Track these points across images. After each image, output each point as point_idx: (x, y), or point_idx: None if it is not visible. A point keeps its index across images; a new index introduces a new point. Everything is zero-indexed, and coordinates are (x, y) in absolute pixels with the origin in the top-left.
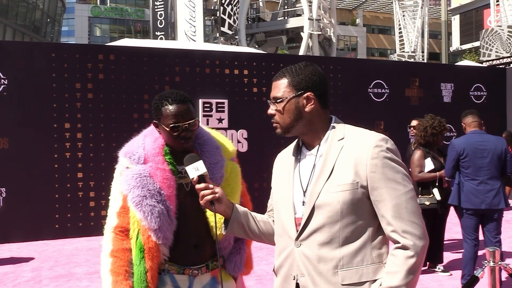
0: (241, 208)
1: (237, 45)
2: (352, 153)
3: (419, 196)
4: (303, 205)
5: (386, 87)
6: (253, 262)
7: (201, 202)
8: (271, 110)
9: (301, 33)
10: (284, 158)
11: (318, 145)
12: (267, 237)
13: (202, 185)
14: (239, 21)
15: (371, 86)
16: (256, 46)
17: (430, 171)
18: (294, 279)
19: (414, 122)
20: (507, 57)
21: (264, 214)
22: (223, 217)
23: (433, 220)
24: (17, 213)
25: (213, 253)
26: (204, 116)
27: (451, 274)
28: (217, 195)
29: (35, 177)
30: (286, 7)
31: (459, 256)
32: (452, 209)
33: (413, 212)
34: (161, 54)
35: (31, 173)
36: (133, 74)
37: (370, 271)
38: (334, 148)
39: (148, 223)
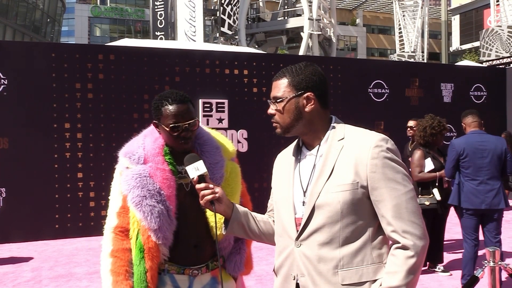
0: (241, 208)
1: (237, 45)
2: (352, 153)
3: (419, 196)
4: (303, 205)
5: (386, 87)
6: (253, 262)
7: (201, 202)
8: (271, 110)
9: (301, 33)
10: (284, 158)
11: (318, 145)
12: (267, 237)
13: (202, 185)
14: (239, 21)
15: (371, 86)
16: (256, 46)
17: (430, 171)
18: (294, 279)
19: (411, 123)
20: (507, 57)
21: (264, 214)
22: (223, 217)
23: (433, 220)
24: (17, 213)
25: (213, 253)
26: (204, 116)
27: (451, 274)
28: (217, 195)
29: (35, 177)
30: (286, 7)
31: (459, 256)
32: (452, 209)
33: (413, 212)
34: (161, 54)
35: (31, 173)
36: (133, 74)
37: (370, 271)
38: (334, 148)
39: (148, 223)
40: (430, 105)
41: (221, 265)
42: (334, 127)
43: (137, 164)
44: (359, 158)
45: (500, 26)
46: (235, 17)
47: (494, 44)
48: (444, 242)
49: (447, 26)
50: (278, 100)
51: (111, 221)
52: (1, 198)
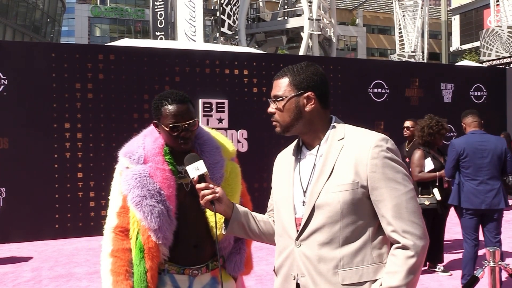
0: (241, 208)
1: (237, 45)
2: (352, 153)
3: (419, 196)
4: (303, 205)
5: (386, 87)
6: (253, 262)
7: (201, 202)
8: (271, 108)
9: (301, 33)
10: (284, 158)
11: (318, 145)
12: (268, 237)
13: (203, 184)
14: (239, 21)
15: (371, 86)
16: (256, 46)
17: (430, 171)
18: (294, 279)
19: (407, 123)
20: (507, 57)
21: (264, 214)
22: (223, 217)
23: (433, 220)
24: (17, 213)
25: (213, 253)
26: (204, 116)
27: (451, 274)
28: (217, 194)
29: (35, 177)
30: (286, 7)
31: (459, 256)
32: (452, 209)
33: (414, 212)
34: (161, 54)
35: (31, 173)
36: (133, 74)
37: (371, 271)
38: (334, 148)
39: (148, 223)
40: (430, 105)
41: (221, 265)
42: (334, 127)
43: (137, 164)
44: (359, 158)
45: (500, 26)
46: (235, 17)
47: (494, 44)
48: (444, 242)
49: (447, 26)
50: (278, 99)
51: (111, 221)
52: (1, 198)
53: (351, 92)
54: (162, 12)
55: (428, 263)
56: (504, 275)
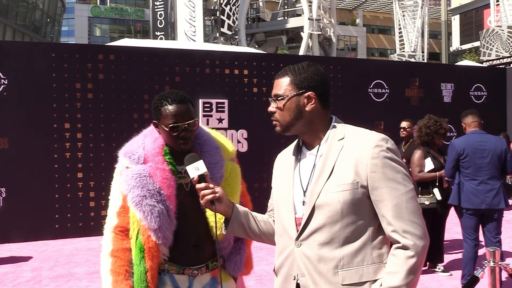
0: (241, 208)
1: (237, 45)
2: (352, 153)
3: (419, 196)
4: (303, 205)
5: (386, 87)
6: (253, 262)
7: (201, 201)
8: (272, 107)
9: (301, 33)
10: (284, 158)
11: (318, 145)
12: (268, 237)
13: (203, 184)
14: (239, 21)
15: (371, 86)
16: (256, 46)
17: (430, 171)
18: (294, 279)
19: (404, 123)
20: (507, 57)
21: (264, 214)
22: (223, 217)
23: (433, 220)
24: (17, 213)
25: (213, 253)
26: (204, 116)
27: (451, 274)
28: (217, 194)
29: (35, 177)
30: (286, 7)
31: (459, 256)
32: (452, 209)
33: (414, 212)
34: (161, 54)
35: (31, 173)
36: (133, 74)
37: (371, 271)
38: (334, 148)
39: (148, 223)
40: (430, 105)
41: (221, 265)
42: (334, 127)
43: (137, 164)
44: (359, 158)
45: (500, 26)
46: (234, 18)
47: (494, 44)
48: (444, 242)
49: (447, 26)
50: (279, 98)
51: (111, 220)
52: (1, 198)
53: (351, 92)
54: (162, 12)
55: (428, 263)
56: (504, 275)
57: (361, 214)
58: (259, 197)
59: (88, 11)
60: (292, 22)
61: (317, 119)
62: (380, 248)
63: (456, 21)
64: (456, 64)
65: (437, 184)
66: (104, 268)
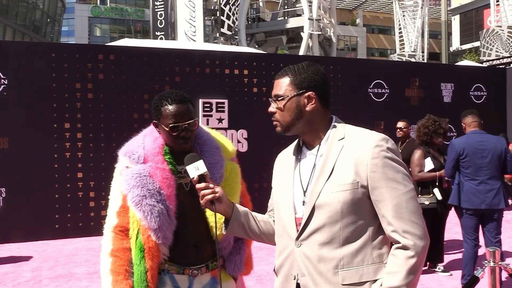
0: (241, 208)
1: (237, 45)
2: (352, 152)
3: (419, 195)
4: (303, 205)
5: (386, 87)
6: (253, 262)
7: (201, 201)
8: (272, 108)
9: (301, 33)
10: (284, 158)
11: (318, 145)
12: (268, 237)
13: (203, 184)
14: (239, 21)
15: (371, 86)
16: (256, 46)
17: (430, 171)
18: (294, 279)
19: (400, 124)
20: (507, 57)
21: (264, 214)
22: (223, 217)
23: (433, 220)
24: (17, 213)
25: (213, 253)
26: (204, 116)
27: (451, 274)
28: (217, 194)
29: (35, 177)
30: (286, 7)
31: (459, 256)
32: (452, 209)
33: (414, 212)
34: (161, 54)
35: (31, 173)
36: (133, 74)
37: (371, 271)
38: (335, 148)
39: (147, 223)
40: (430, 105)
41: (220, 265)
42: (334, 127)
43: (137, 164)
44: (360, 158)
45: (500, 26)
46: (234, 18)
47: (494, 44)
48: (444, 242)
49: (447, 26)
50: (279, 98)
51: (111, 220)
52: (1, 198)
53: (351, 92)
54: (162, 12)
55: (428, 263)
56: (504, 275)
57: (361, 214)
58: (259, 197)
59: (88, 11)
60: (292, 22)
61: (318, 119)
62: (380, 248)
63: (456, 21)
64: (456, 64)
65: (437, 184)
66: (104, 267)
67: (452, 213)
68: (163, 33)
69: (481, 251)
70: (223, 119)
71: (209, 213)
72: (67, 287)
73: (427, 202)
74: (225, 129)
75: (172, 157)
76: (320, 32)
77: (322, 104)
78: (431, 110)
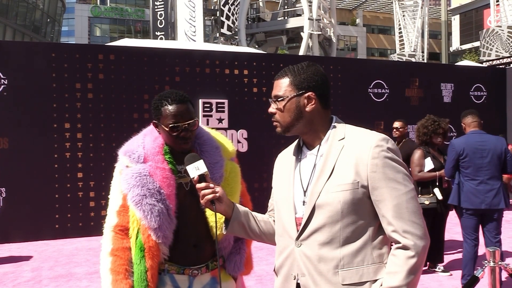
0: (241, 208)
1: (237, 45)
2: (352, 153)
3: (419, 195)
4: (304, 204)
5: (386, 87)
6: (253, 262)
7: (201, 201)
8: (272, 108)
9: (301, 33)
10: (284, 158)
11: (318, 145)
12: (268, 237)
13: (203, 184)
14: (239, 21)
15: (371, 86)
16: (256, 46)
17: (429, 171)
18: (294, 279)
19: (396, 123)
20: (507, 57)
21: (264, 214)
22: (223, 217)
23: (433, 220)
24: (17, 213)
25: (213, 253)
26: (204, 116)
27: (451, 274)
28: (217, 194)
29: (35, 177)
30: (286, 7)
31: (459, 256)
32: (452, 209)
33: (414, 212)
34: (161, 54)
35: (31, 173)
36: (133, 74)
37: (371, 271)
38: (335, 148)
39: (148, 222)
40: (430, 105)
41: (220, 265)
42: (334, 127)
43: (137, 163)
44: (360, 158)
45: (500, 26)
46: (233, 18)
47: (494, 44)
48: (444, 242)
49: (447, 26)
50: (279, 99)
51: (111, 219)
52: (1, 198)
53: (351, 92)
54: (162, 12)
55: (428, 263)
56: (504, 275)
57: (361, 214)
58: (259, 197)
59: (88, 11)
60: (292, 22)
61: (318, 119)
62: (381, 248)
63: (456, 21)
64: (456, 64)
65: (437, 184)
66: (104, 267)
67: (452, 213)
68: (163, 33)
69: (481, 251)
70: (223, 119)
71: (209, 213)
72: (67, 287)
73: (427, 202)
74: (225, 129)
75: (172, 157)
76: (320, 32)
77: (322, 105)
78: (431, 110)
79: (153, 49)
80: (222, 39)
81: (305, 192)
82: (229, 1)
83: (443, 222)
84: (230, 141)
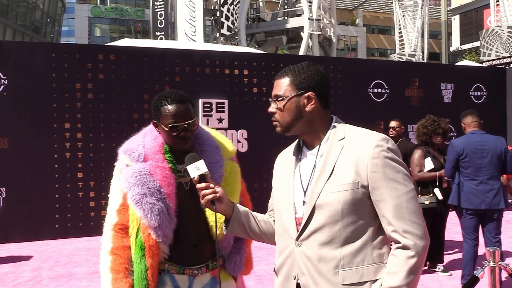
0: (242, 208)
1: (237, 45)
2: (352, 153)
3: (419, 195)
4: (304, 204)
5: (386, 87)
6: (253, 262)
7: (202, 201)
8: (272, 108)
9: (301, 33)
10: (285, 158)
11: (318, 145)
12: (268, 237)
13: (203, 184)
14: (239, 21)
15: (371, 86)
16: (256, 46)
17: (429, 171)
18: (294, 279)
19: (393, 123)
20: (507, 57)
21: (264, 214)
22: (223, 217)
23: (433, 220)
24: (17, 213)
25: (213, 253)
26: (204, 116)
27: (451, 274)
28: (218, 194)
29: (35, 177)
30: (286, 7)
31: (459, 256)
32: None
33: (414, 212)
34: (161, 54)
35: (31, 173)
36: (133, 74)
37: (371, 271)
38: (335, 148)
39: (148, 221)
40: (430, 105)
41: (220, 265)
42: (334, 127)
43: (137, 162)
44: (360, 158)
45: (500, 26)
46: (233, 18)
47: (494, 44)
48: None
49: (447, 26)
50: (279, 99)
51: (111, 218)
52: (1, 198)
53: (351, 92)
54: (162, 12)
55: (428, 263)
56: (504, 275)
57: (361, 214)
58: (259, 197)
59: (88, 11)
60: (292, 22)
61: (317, 119)
62: (381, 248)
63: (456, 21)
64: (456, 64)
65: (437, 184)
66: (104, 265)
67: (452, 213)
68: (163, 33)
69: (481, 251)
70: (223, 119)
71: (209, 213)
72: (67, 287)
73: (427, 202)
74: (225, 129)
75: (172, 156)
76: (320, 32)
77: (322, 105)
78: (431, 110)
79: (153, 49)
80: (222, 39)
81: (305, 192)
82: (228, 1)
83: (443, 222)
84: (230, 141)
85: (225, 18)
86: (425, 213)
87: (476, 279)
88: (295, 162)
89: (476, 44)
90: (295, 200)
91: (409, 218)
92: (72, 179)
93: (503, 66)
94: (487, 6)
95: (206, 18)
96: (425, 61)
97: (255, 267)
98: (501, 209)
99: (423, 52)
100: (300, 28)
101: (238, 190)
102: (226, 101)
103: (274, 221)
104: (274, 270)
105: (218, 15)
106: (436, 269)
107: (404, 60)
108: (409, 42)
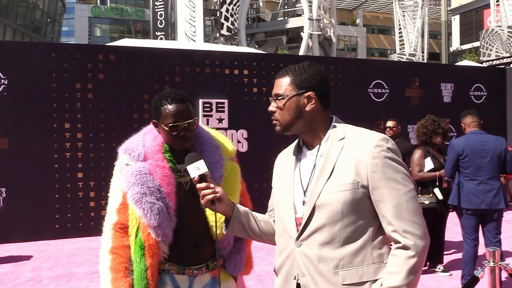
0: (242, 208)
1: (237, 45)
2: (352, 152)
3: (419, 195)
4: (304, 204)
5: (386, 87)
6: (253, 262)
7: (202, 201)
8: (272, 107)
9: (301, 33)
10: (284, 158)
11: (318, 145)
12: (268, 237)
13: (203, 184)
14: (239, 21)
15: (371, 86)
16: (256, 46)
17: (429, 171)
18: (294, 279)
19: (389, 123)
20: (507, 57)
21: (264, 214)
22: (223, 217)
23: (433, 220)
24: (17, 213)
25: (213, 253)
26: (204, 116)
27: (451, 274)
28: (218, 194)
29: (35, 177)
30: (286, 7)
31: (459, 256)
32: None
33: (414, 212)
34: (161, 54)
35: (31, 173)
36: (133, 74)
37: (371, 271)
38: (335, 148)
39: (147, 220)
40: (430, 105)
41: (220, 265)
42: (334, 127)
43: (137, 161)
44: (360, 158)
45: (500, 26)
46: (233, 19)
47: (494, 44)
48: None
49: (447, 26)
50: (279, 98)
51: (111, 217)
52: (1, 198)
53: (351, 92)
54: (162, 12)
55: (428, 263)
56: (504, 275)
57: (361, 214)
58: (259, 197)
59: (88, 11)
60: (292, 22)
61: (317, 119)
62: (381, 248)
63: (456, 21)
64: (456, 64)
65: (437, 184)
66: (104, 265)
67: (452, 213)
68: (163, 33)
69: (481, 251)
70: (223, 119)
71: (209, 213)
72: (67, 287)
73: (427, 202)
74: (225, 129)
75: (172, 156)
76: (320, 32)
77: (322, 104)
78: (431, 110)
79: (153, 49)
80: (222, 39)
81: (305, 192)
82: (227, 1)
83: (443, 222)
84: (230, 141)
85: (225, 18)
86: (425, 213)
87: (476, 279)
88: (295, 162)
89: (476, 44)
90: (295, 200)
91: (409, 218)
92: (72, 179)
93: (503, 66)
94: (487, 6)
95: (206, 18)
96: (425, 61)
97: (255, 267)
98: (501, 209)
99: (423, 52)
100: (300, 28)
101: (238, 190)
102: (226, 101)
103: (274, 221)
104: (274, 270)
105: (218, 15)
106: (436, 269)
107: (404, 60)
108: (409, 42)
